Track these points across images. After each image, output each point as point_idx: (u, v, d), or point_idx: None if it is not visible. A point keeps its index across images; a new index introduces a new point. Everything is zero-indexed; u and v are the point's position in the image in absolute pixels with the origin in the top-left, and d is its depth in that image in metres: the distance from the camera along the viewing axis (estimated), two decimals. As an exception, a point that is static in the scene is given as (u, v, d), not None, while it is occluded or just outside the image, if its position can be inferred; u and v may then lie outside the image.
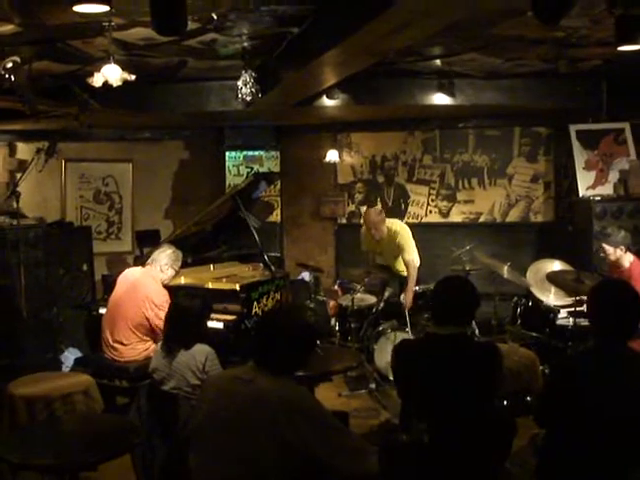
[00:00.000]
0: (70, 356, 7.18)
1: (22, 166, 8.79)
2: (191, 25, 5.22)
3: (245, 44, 6.06)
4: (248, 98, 6.55)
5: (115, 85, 4.93)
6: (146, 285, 6.16)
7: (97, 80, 4.84)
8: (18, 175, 9.20)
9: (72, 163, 9.77)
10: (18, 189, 8.89)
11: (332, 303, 8.46)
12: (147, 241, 8.81)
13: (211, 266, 7.71)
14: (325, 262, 10.28)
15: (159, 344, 5.04)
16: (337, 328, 7.97)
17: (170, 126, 9.94)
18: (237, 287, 6.45)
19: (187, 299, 5.00)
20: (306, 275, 9.13)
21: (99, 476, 5.12)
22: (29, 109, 5.94)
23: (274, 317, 3.52)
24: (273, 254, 8.56)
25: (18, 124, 8.32)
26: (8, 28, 5.00)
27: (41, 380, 5.50)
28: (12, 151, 9.20)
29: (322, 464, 3.08)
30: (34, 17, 4.77)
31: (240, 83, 6.48)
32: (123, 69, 4.99)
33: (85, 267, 8.29)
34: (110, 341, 6.17)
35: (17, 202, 6.64)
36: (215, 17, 4.88)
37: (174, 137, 10.22)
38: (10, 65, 5.09)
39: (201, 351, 4.74)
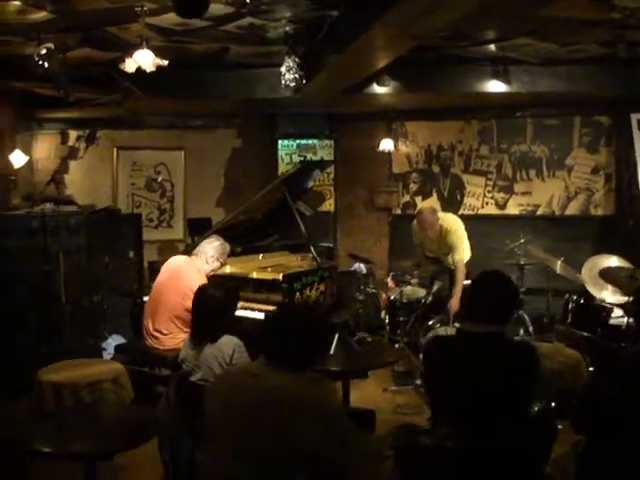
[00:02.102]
0: (113, 343, 7.21)
1: (74, 153, 8.81)
2: (224, 9, 5.13)
3: (287, 28, 5.94)
4: (292, 84, 6.46)
5: (149, 70, 4.85)
6: (189, 276, 6.13)
7: (129, 66, 4.78)
8: (70, 162, 9.32)
9: (124, 151, 9.80)
10: (66, 175, 9.11)
11: (384, 295, 8.32)
12: (198, 229, 8.73)
13: (260, 256, 7.70)
14: (379, 253, 10.15)
15: (188, 335, 4.98)
16: (387, 321, 7.80)
17: (222, 114, 9.89)
18: (279, 277, 6.43)
19: (212, 290, 4.92)
20: (361, 266, 8.99)
21: (128, 464, 5.14)
22: (64, 96, 5.89)
23: (285, 312, 3.38)
24: (325, 244, 8.47)
25: (66, 112, 8.35)
26: (41, 15, 4.96)
27: (71, 367, 5.52)
28: (64, 139, 9.26)
29: (330, 465, 2.96)
30: (66, 2, 4.70)
31: (283, 69, 6.40)
32: (161, 55, 4.91)
33: (132, 254, 8.30)
34: (151, 329, 6.18)
35: (57, 188, 6.67)
36: (248, 0, 4.73)
37: (227, 125, 10.17)
38: (44, 52, 5.04)
39: (228, 343, 4.67)
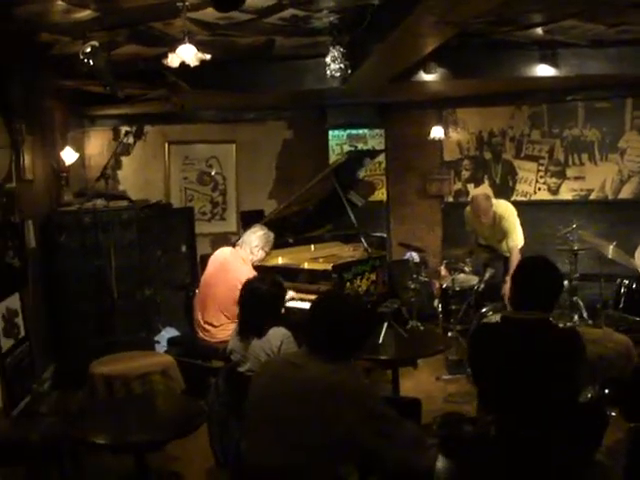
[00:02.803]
0: (166, 335, 7.30)
1: (126, 149, 8.92)
2: (266, 1, 5.13)
3: (331, 19, 5.91)
4: (337, 74, 6.44)
5: (192, 65, 4.85)
6: (235, 267, 6.18)
7: (173, 61, 4.79)
8: (122, 158, 9.43)
9: (176, 145, 9.87)
10: (119, 172, 9.20)
11: (436, 284, 8.29)
12: (252, 221, 8.68)
13: (312, 246, 7.73)
14: (432, 241, 10.09)
15: (235, 327, 5.01)
16: (439, 309, 7.76)
17: (272, 106, 9.88)
18: (329, 267, 6.46)
19: (259, 284, 4.91)
20: (414, 255, 8.96)
21: (181, 454, 5.21)
22: (112, 92, 5.95)
23: (325, 301, 3.37)
24: (379, 234, 8.41)
25: (116, 109, 8.44)
26: (86, 13, 5.02)
27: (121, 360, 5.61)
28: (116, 135, 9.37)
29: (373, 455, 2.95)
30: (109, 0, 4.75)
31: (329, 59, 6.36)
32: (206, 49, 4.92)
33: (184, 248, 8.37)
34: (201, 322, 6.25)
35: (107, 184, 6.74)
36: (289, -9, 4.73)
37: (277, 117, 10.17)
38: (89, 50, 5.09)
39: (276, 335, 4.69)
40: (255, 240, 6.32)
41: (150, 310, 7.42)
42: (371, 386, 3.30)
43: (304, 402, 3.03)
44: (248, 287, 4.93)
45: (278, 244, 6.76)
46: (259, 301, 4.80)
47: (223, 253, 6.45)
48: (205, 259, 7.03)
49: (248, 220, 9.07)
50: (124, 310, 6.92)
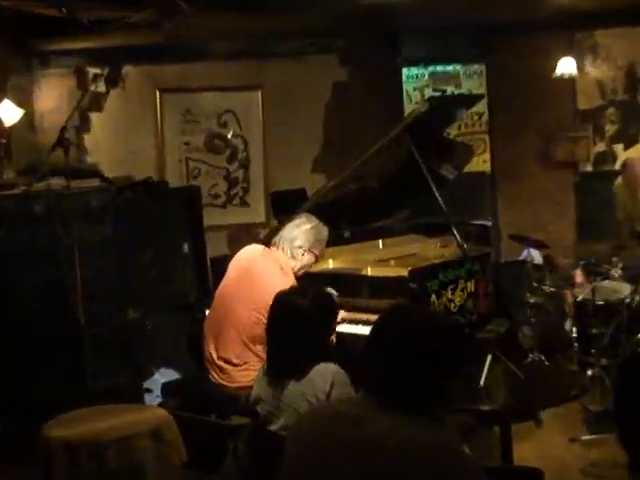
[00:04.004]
0: (160, 379, 7.37)
1: (97, 102, 8.97)
2: None
3: None
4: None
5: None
6: (268, 277, 6.11)
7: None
8: (92, 116, 9.49)
9: (171, 95, 10.00)
10: (85, 136, 9.26)
11: (569, 296, 8.27)
12: (287, 207, 8.72)
13: (379, 242, 7.77)
14: (560, 233, 10.12)
15: (262, 366, 5.03)
16: (574, 334, 7.73)
17: (316, 33, 9.91)
18: (405, 273, 6.37)
19: (296, 299, 4.88)
20: (533, 253, 8.94)
21: None
22: (70, 15, 5.98)
23: (397, 322, 3.33)
24: (480, 222, 8.39)
25: (81, 41, 8.49)
26: None
27: (92, 417, 5.55)
28: (81, 80, 9.40)
29: None
30: None
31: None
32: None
33: (186, 248, 8.39)
34: (214, 357, 6.22)
35: (66, 154, 6.72)
36: None
37: (324, 50, 10.23)
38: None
39: (324, 374, 4.65)
40: (299, 237, 6.24)
41: (136, 342, 7.43)
42: (466, 450, 3.25)
43: (362, 470, 3.02)
44: (280, 303, 4.90)
45: (329, 240, 6.67)
46: (297, 325, 4.77)
47: (249, 255, 6.40)
48: (219, 264, 7.05)
49: (282, 205, 9.09)
50: (96, 343, 6.93)
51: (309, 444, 3.24)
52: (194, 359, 7.29)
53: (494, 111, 10.07)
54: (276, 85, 10.14)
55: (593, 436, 6.93)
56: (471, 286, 6.69)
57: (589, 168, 10.14)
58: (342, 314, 6.17)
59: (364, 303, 6.49)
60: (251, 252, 6.44)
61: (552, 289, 8.31)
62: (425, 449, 3.00)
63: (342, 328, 6.09)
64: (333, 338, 5.17)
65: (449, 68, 10.01)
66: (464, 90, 9.95)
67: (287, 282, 5.89)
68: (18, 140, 7.97)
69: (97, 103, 9.16)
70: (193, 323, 7.68)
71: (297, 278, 6.21)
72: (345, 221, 7.40)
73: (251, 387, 5.18)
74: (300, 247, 6.23)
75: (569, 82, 9.90)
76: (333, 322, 5.12)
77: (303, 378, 4.66)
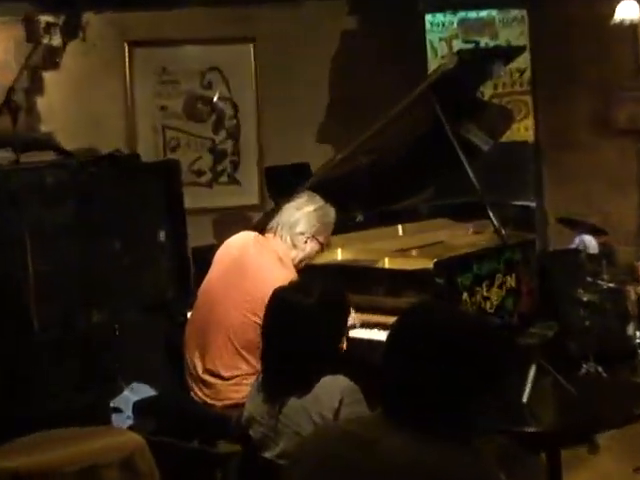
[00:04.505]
0: (132, 397, 7.37)
1: (52, 58, 8.96)
2: None
3: None
4: None
5: None
6: (263, 270, 6.14)
7: None
8: (45, 75, 9.47)
9: (143, 49, 10.03)
10: (38, 98, 9.25)
11: (631, 293, 8.28)
12: (286, 185, 8.74)
13: (399, 228, 7.85)
14: (622, 216, 10.11)
15: (256, 378, 5.07)
16: (638, 339, 7.76)
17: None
18: (430, 265, 6.38)
19: (297, 297, 4.89)
20: (587, 240, 8.94)
21: None
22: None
23: (419, 323, 3.31)
24: (521, 203, 8.40)
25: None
26: None
27: (47, 444, 5.58)
28: (31, 31, 9.38)
29: None
30: None
31: None
32: None
33: (162, 236, 8.38)
34: (198, 369, 6.25)
35: (15, 121, 6.73)
36: None
37: (329, -8, 10.22)
38: None
39: (331, 387, 4.68)
40: (302, 222, 6.24)
41: (102, 350, 7.47)
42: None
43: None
44: (278, 302, 4.93)
45: (337, 226, 6.68)
46: (299, 328, 4.79)
47: (240, 245, 6.40)
48: (204, 255, 7.03)
49: (280, 183, 9.12)
50: (52, 351, 6.95)
51: (313, 468, 3.25)
52: (173, 371, 7.30)
53: (538, 66, 10.10)
54: (271, 36, 10.16)
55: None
56: (511, 281, 6.73)
57: (656, 135, 10.08)
58: (354, 316, 6.15)
59: (380, 302, 6.49)
60: (243, 240, 6.45)
61: (611, 284, 8.33)
62: (455, 477, 2.98)
63: (354, 333, 6.08)
64: (343, 345, 5.13)
65: (482, 14, 10.05)
66: (501, 41, 9.99)
67: (287, 276, 5.82)
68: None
69: (51, 59, 9.15)
70: (172, 327, 7.65)
71: (298, 271, 6.20)
72: (357, 202, 7.42)
73: (243, 405, 5.21)
74: (302, 234, 6.23)
75: (630, 30, 9.85)
76: (343, 325, 5.11)
77: (306, 393, 4.68)
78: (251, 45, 10.15)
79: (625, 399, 5.89)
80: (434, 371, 3.11)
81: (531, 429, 5.25)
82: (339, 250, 7.19)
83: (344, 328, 5.14)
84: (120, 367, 7.71)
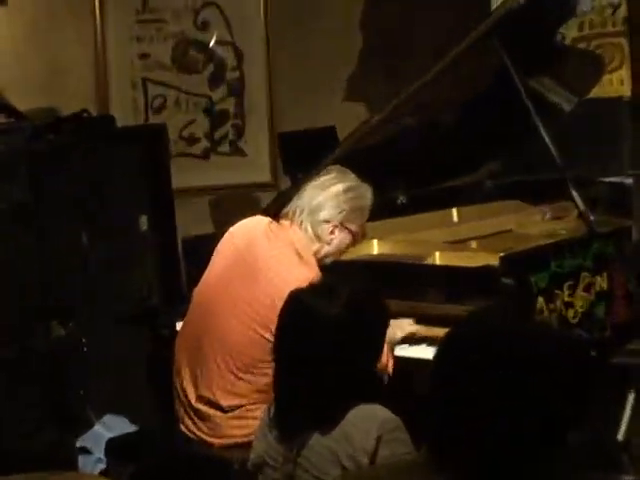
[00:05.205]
0: (105, 433, 7.39)
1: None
2: None
3: None
4: None
5: None
6: (276, 268, 6.16)
7: None
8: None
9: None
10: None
11: None
12: (306, 156, 8.75)
13: (453, 213, 7.88)
14: None
15: (266, 410, 5.07)
16: None
17: None
18: (495, 261, 6.40)
19: (320, 301, 4.89)
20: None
21: None
22: None
23: (471, 336, 3.32)
24: (615, 178, 8.42)
25: None
26: None
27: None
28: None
29: None
30: None
31: None
32: None
33: (144, 224, 8.39)
34: (190, 397, 6.26)
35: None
36: None
37: None
38: None
39: (365, 421, 4.68)
40: (327, 206, 6.25)
41: (66, 374, 7.48)
42: None
43: None
44: (296, 310, 4.94)
45: (374, 211, 6.68)
46: (322, 343, 4.79)
47: (248, 235, 6.41)
48: (198, 248, 7.07)
49: (298, 154, 9.13)
50: (2, 378, 6.98)
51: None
52: (158, 399, 7.32)
53: (636, 1, 9.99)
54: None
55: None
56: (602, 282, 6.70)
57: None
58: (410, 321, 6.17)
59: (429, 310, 6.48)
60: (251, 229, 6.46)
61: None
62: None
63: (397, 351, 6.09)
64: (388, 367, 5.14)
65: None
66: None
67: (307, 276, 5.83)
68: None
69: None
70: (156, 342, 7.68)
71: (322, 270, 6.20)
72: (398, 179, 7.39)
73: (249, 445, 5.25)
74: (328, 221, 6.22)
75: None
76: (379, 339, 5.10)
77: (333, 429, 4.68)
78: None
79: None
80: (495, 402, 3.12)
81: (630, 478, 5.26)
82: (375, 242, 7.20)
83: (380, 343, 5.11)
84: (89, 395, 7.72)
